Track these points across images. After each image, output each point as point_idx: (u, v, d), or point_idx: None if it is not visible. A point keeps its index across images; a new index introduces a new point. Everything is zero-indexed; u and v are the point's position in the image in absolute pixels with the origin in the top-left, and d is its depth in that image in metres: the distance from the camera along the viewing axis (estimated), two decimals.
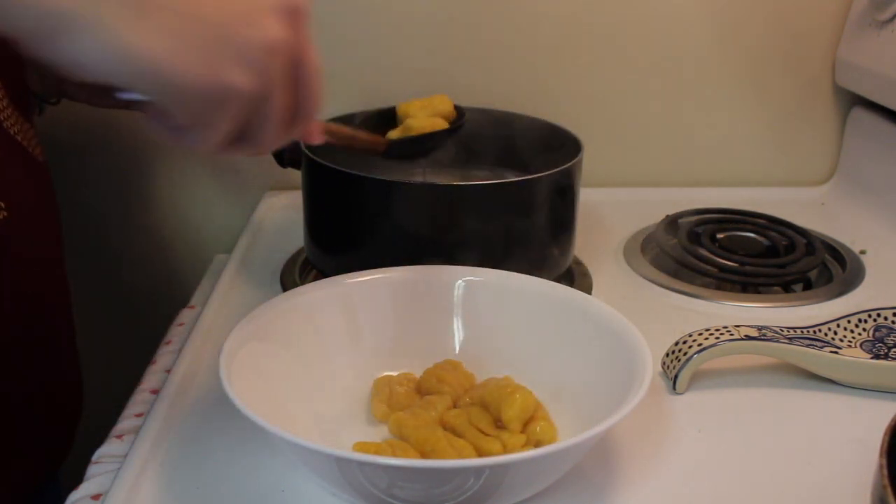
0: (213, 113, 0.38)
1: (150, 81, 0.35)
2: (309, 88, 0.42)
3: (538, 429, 0.52)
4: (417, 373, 0.60)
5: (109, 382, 0.83)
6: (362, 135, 0.62)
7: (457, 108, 0.73)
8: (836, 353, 0.61)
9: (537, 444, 0.52)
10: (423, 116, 0.70)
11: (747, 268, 0.78)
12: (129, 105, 0.80)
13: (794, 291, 0.78)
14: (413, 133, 0.69)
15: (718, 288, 0.77)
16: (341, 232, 0.69)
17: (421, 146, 0.69)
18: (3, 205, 0.61)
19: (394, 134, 0.71)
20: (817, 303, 0.74)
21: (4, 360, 0.64)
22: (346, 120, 0.79)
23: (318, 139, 0.49)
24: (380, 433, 0.56)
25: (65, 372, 0.73)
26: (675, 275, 0.78)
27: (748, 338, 0.60)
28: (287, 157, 0.75)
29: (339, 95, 0.96)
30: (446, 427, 0.53)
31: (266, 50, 0.38)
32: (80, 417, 0.75)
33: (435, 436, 0.51)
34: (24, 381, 0.66)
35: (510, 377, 0.57)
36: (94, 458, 0.57)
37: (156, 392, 0.63)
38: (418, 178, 0.81)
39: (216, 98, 0.37)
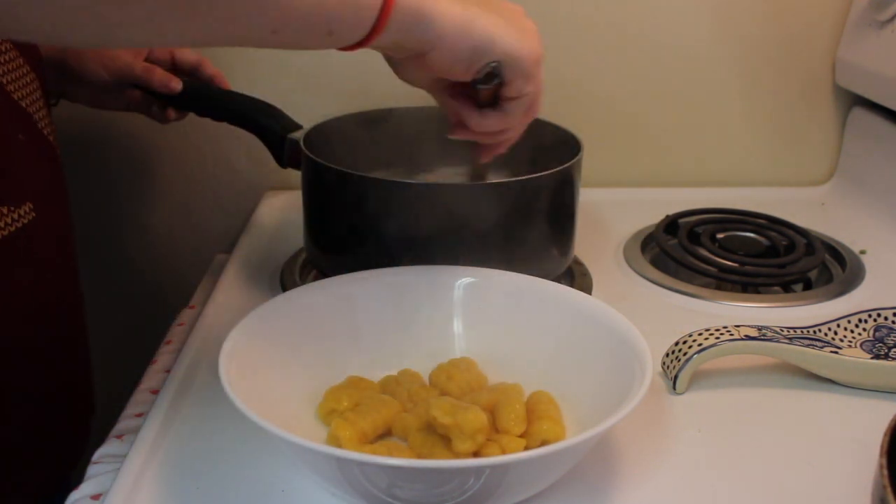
0: (537, 69, 0.54)
1: (511, 51, 0.52)
2: (541, 76, 0.56)
3: (544, 428, 0.52)
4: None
5: (110, 382, 0.83)
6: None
7: None
8: (836, 353, 0.61)
9: (543, 444, 0.52)
10: None
11: (747, 268, 0.78)
12: (129, 106, 0.80)
13: (794, 291, 0.78)
14: None
15: (718, 288, 0.77)
16: (341, 232, 0.69)
17: None
18: (30, 206, 0.62)
19: None
20: (817, 303, 0.74)
21: (28, 364, 0.64)
22: (346, 120, 0.79)
23: (503, 150, 0.63)
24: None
25: (79, 374, 0.73)
26: (675, 275, 0.78)
27: (748, 338, 0.60)
28: (287, 157, 0.75)
29: (338, 96, 0.96)
30: None
31: (537, 34, 0.55)
32: (92, 419, 0.75)
33: (433, 438, 0.51)
34: (43, 385, 0.67)
35: (506, 381, 0.58)
36: (94, 458, 0.57)
37: (156, 392, 0.63)
38: (418, 179, 0.81)
39: (538, 57, 0.54)
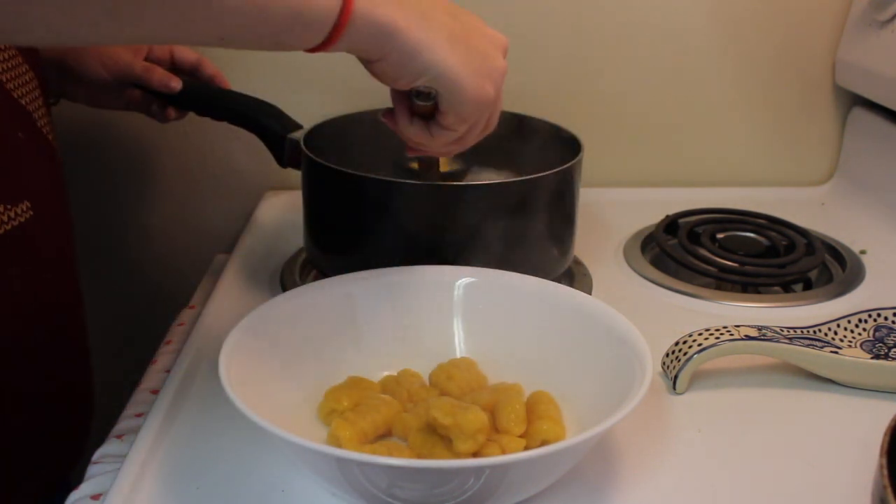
0: (474, 113, 0.54)
1: (451, 87, 0.51)
2: (497, 108, 0.57)
3: (544, 428, 0.52)
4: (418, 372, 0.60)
5: (110, 382, 0.83)
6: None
7: None
8: (836, 353, 0.61)
9: (543, 444, 0.52)
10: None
11: (747, 268, 0.78)
12: (129, 105, 0.80)
13: (794, 291, 0.78)
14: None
15: (718, 288, 0.77)
16: (341, 232, 0.69)
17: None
18: (28, 204, 0.61)
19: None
20: (817, 303, 0.74)
21: (26, 363, 0.64)
22: (346, 120, 0.79)
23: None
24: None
25: (78, 374, 0.73)
26: (675, 275, 0.78)
27: (748, 338, 0.60)
28: (287, 157, 0.75)
29: (338, 96, 0.96)
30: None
31: (501, 74, 0.55)
32: (92, 419, 0.75)
33: (433, 438, 0.51)
34: (42, 384, 0.66)
35: (506, 381, 0.58)
36: (94, 458, 0.57)
37: (156, 392, 0.63)
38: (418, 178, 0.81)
39: (482, 102, 0.53)
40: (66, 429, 0.71)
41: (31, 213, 0.62)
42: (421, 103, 0.53)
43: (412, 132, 0.56)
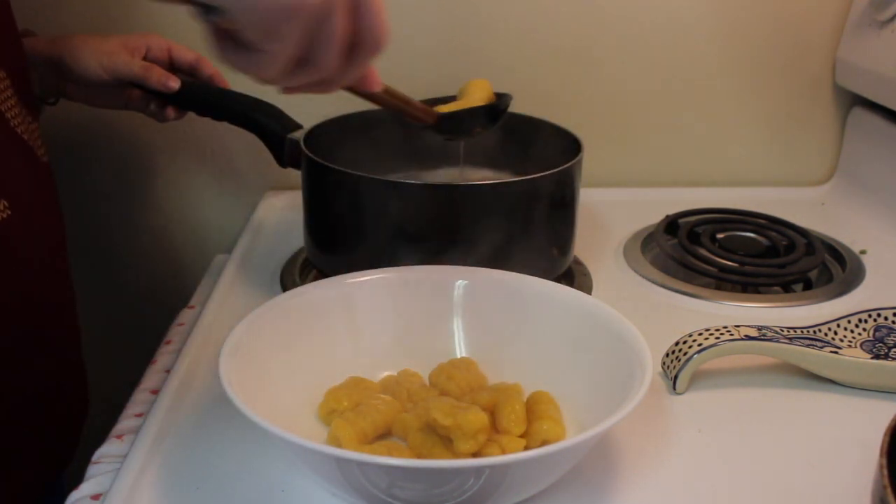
0: (281, 24, 0.40)
1: None
2: (371, 17, 0.43)
3: (544, 428, 0.52)
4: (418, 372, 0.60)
5: (109, 382, 0.83)
6: (416, 103, 0.61)
7: (497, 94, 0.71)
8: (836, 353, 0.61)
9: (544, 444, 0.52)
10: (477, 97, 0.69)
11: (747, 268, 0.78)
12: (128, 105, 0.80)
13: (794, 291, 0.78)
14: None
15: (718, 288, 0.77)
16: (341, 232, 0.69)
17: (468, 122, 0.68)
18: (5, 203, 0.61)
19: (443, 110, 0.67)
20: (817, 303, 0.74)
21: (8, 363, 0.63)
22: (346, 120, 0.79)
23: (376, 87, 0.51)
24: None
25: (70, 374, 0.73)
26: (675, 275, 0.78)
27: (748, 338, 0.60)
28: (287, 156, 0.75)
29: (338, 96, 0.96)
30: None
31: None
32: (85, 420, 0.75)
33: (433, 438, 0.51)
34: (28, 384, 0.66)
35: (506, 381, 0.58)
36: (94, 458, 0.57)
37: (156, 392, 0.63)
38: (418, 178, 0.81)
39: (286, 8, 0.39)
40: (58, 428, 0.71)
41: (9, 212, 0.61)
42: (210, 19, 0.41)
43: (236, 62, 0.44)
